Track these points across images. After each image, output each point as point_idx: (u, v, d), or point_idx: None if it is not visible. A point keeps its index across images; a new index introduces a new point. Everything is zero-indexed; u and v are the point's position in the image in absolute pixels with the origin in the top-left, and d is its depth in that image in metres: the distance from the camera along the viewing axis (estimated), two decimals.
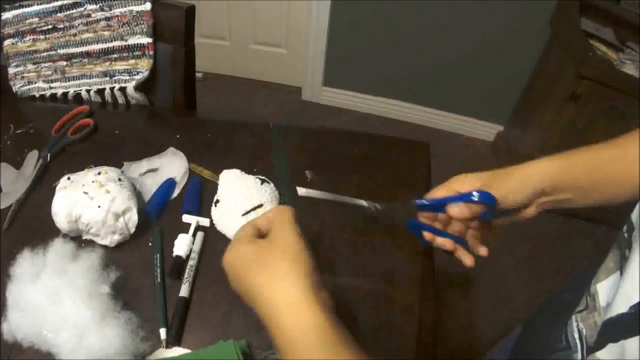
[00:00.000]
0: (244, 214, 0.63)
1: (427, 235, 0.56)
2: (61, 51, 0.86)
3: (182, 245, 0.61)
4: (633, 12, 1.66)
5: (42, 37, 0.85)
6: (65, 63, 0.87)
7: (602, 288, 0.39)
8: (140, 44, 0.83)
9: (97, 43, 0.84)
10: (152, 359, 0.51)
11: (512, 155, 1.96)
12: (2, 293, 0.52)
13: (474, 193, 0.51)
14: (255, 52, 2.31)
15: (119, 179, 0.63)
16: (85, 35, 0.84)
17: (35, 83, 0.88)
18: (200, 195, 0.68)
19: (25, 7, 0.84)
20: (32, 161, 0.72)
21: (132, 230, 0.62)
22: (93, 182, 0.61)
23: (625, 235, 0.38)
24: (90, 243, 0.61)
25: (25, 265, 0.52)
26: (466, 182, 0.53)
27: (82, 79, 0.87)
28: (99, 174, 0.63)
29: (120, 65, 0.85)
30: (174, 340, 0.53)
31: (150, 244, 0.62)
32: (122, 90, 0.86)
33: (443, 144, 2.19)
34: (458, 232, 0.56)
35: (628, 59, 1.57)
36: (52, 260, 0.52)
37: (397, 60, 2.09)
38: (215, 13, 2.17)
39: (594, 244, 1.85)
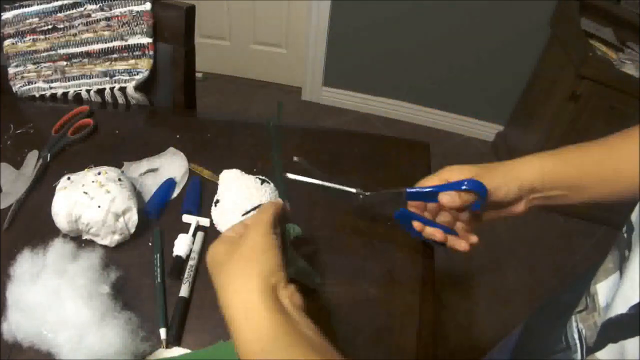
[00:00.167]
0: (244, 214, 0.62)
1: (416, 225, 0.56)
2: (61, 51, 0.86)
3: (182, 245, 0.61)
4: (633, 12, 1.66)
5: (42, 37, 0.85)
6: (65, 63, 0.87)
7: (602, 288, 0.39)
8: (140, 44, 0.83)
9: (97, 43, 0.84)
10: (152, 359, 0.51)
11: (512, 155, 1.94)
12: (2, 293, 0.52)
13: (465, 182, 0.51)
14: (255, 52, 2.32)
15: (119, 179, 0.63)
16: (85, 35, 0.84)
17: (35, 83, 0.88)
18: (200, 195, 0.68)
19: (25, 7, 0.84)
20: (32, 161, 0.72)
21: (132, 230, 0.62)
22: (93, 182, 0.61)
23: (625, 235, 0.38)
24: (90, 243, 0.61)
25: (25, 265, 0.52)
26: (457, 172, 0.53)
27: (82, 79, 0.87)
28: (99, 174, 0.63)
29: (120, 65, 0.85)
30: (174, 340, 0.53)
31: (150, 244, 0.62)
32: (122, 90, 0.86)
33: (443, 144, 2.19)
34: (447, 224, 0.56)
35: (628, 59, 1.57)
36: (52, 260, 0.52)
37: (397, 61, 2.09)
38: (215, 13, 2.17)
39: (594, 244, 1.85)
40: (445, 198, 0.51)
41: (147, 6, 0.81)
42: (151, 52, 0.84)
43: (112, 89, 0.86)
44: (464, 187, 0.51)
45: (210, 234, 0.64)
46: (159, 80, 0.88)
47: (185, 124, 0.82)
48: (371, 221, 0.66)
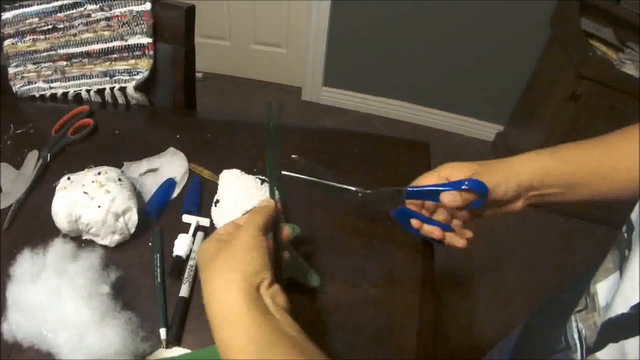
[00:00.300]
0: (244, 214, 0.62)
1: (414, 222, 0.56)
2: (61, 51, 0.86)
3: (182, 245, 0.61)
4: (633, 12, 1.66)
5: (42, 37, 0.85)
6: (65, 63, 0.87)
7: (602, 288, 0.39)
8: (140, 44, 0.83)
9: (97, 43, 0.84)
10: (152, 359, 0.51)
11: (512, 155, 1.96)
12: (2, 293, 0.52)
13: (465, 181, 0.51)
14: (255, 52, 2.32)
15: (119, 179, 0.63)
16: (85, 35, 0.84)
17: (35, 83, 0.88)
18: (200, 195, 0.68)
19: (25, 7, 0.84)
20: (32, 161, 0.72)
21: (132, 230, 0.62)
22: (93, 182, 0.61)
23: (625, 235, 0.38)
24: (90, 243, 0.61)
25: (25, 265, 0.52)
26: (457, 169, 0.53)
27: (82, 79, 0.87)
28: (99, 174, 0.63)
29: (120, 65, 0.85)
30: (174, 340, 0.53)
31: (150, 244, 0.62)
32: (122, 90, 0.86)
33: (443, 144, 2.19)
34: (444, 221, 0.56)
35: (628, 59, 1.57)
36: (52, 260, 0.52)
37: (397, 60, 2.09)
38: (215, 13, 2.17)
39: (594, 244, 1.85)
40: (447, 198, 0.51)
41: (147, 6, 0.81)
42: (151, 52, 0.84)
43: (112, 89, 0.86)
44: (463, 187, 0.51)
45: (210, 234, 0.64)
46: (159, 80, 0.88)
47: (185, 124, 0.82)
48: (371, 221, 0.66)
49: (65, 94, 0.88)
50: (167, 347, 0.52)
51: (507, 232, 1.84)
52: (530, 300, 1.62)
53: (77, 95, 0.88)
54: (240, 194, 0.64)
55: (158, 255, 0.60)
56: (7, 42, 0.87)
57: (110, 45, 0.84)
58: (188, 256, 0.60)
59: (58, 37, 0.85)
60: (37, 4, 0.83)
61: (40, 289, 0.49)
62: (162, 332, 0.53)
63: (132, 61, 0.85)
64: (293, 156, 0.67)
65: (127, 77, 0.86)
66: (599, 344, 0.35)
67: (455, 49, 1.98)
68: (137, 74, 0.85)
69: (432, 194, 0.53)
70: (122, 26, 0.83)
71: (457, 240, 0.56)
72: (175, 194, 0.69)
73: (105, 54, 0.85)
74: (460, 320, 1.57)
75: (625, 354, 0.32)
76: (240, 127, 0.82)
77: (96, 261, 0.55)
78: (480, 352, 0.81)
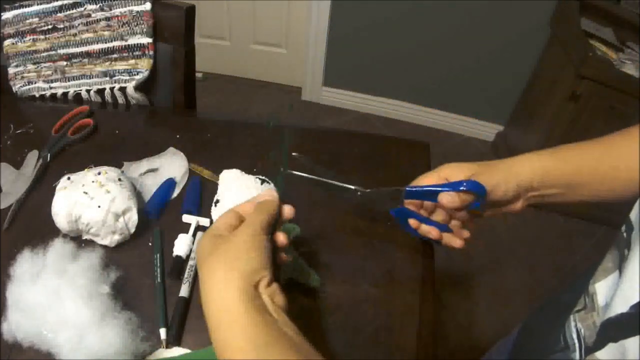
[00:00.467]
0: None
1: (412, 222, 0.56)
2: (61, 51, 0.86)
3: (182, 245, 0.61)
4: (633, 12, 1.66)
5: (42, 37, 0.85)
6: (65, 63, 0.87)
7: (601, 288, 0.39)
8: (140, 44, 0.83)
9: (97, 43, 0.84)
10: (152, 359, 0.51)
11: (512, 155, 1.96)
12: (2, 293, 0.52)
13: (464, 182, 0.51)
14: (255, 52, 2.32)
15: (119, 179, 0.63)
16: (85, 35, 0.84)
17: (35, 83, 0.88)
18: (200, 195, 0.68)
19: (25, 7, 0.84)
20: (32, 161, 0.72)
21: (132, 230, 0.62)
22: (93, 182, 0.61)
23: (624, 235, 0.38)
24: (90, 243, 0.61)
25: (25, 265, 0.52)
26: (456, 170, 0.53)
27: (82, 79, 0.87)
28: (99, 174, 0.63)
29: (120, 65, 0.85)
30: (174, 340, 0.53)
31: (150, 244, 0.62)
32: (122, 90, 0.86)
33: (443, 144, 2.19)
34: (442, 221, 0.56)
35: (628, 59, 1.57)
36: (52, 260, 0.52)
37: (397, 60, 2.09)
38: (215, 13, 2.17)
39: (594, 244, 1.85)
40: (446, 199, 0.51)
41: (147, 6, 0.81)
42: (151, 52, 0.84)
43: (112, 89, 0.86)
44: (462, 188, 0.51)
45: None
46: (159, 80, 0.88)
47: (185, 124, 0.82)
48: (371, 221, 0.66)
49: (65, 94, 0.88)
50: (167, 347, 0.52)
51: (507, 232, 1.84)
52: (530, 300, 1.62)
53: (77, 95, 0.88)
54: (240, 194, 0.64)
55: (158, 255, 0.60)
56: (7, 42, 0.87)
57: (110, 45, 0.84)
58: (188, 256, 0.61)
59: (58, 37, 0.85)
60: (37, 4, 0.83)
61: (40, 289, 0.49)
62: (162, 332, 0.53)
63: (132, 61, 0.85)
64: (293, 154, 0.68)
65: (127, 77, 0.86)
66: (599, 344, 0.35)
67: (455, 49, 1.98)
68: (137, 74, 0.85)
69: (431, 195, 0.53)
70: (122, 26, 0.83)
71: (454, 240, 0.56)
72: (175, 194, 0.69)
73: (105, 54, 0.85)
74: (460, 320, 1.57)
75: (625, 354, 0.32)
76: (240, 127, 0.82)
77: (96, 261, 0.55)
78: (480, 352, 0.81)
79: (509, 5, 1.77)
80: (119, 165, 0.71)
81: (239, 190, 0.65)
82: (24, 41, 0.86)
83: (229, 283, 0.36)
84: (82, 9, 0.83)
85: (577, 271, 1.74)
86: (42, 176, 0.70)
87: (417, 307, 0.58)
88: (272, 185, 0.67)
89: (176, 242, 0.61)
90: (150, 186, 0.69)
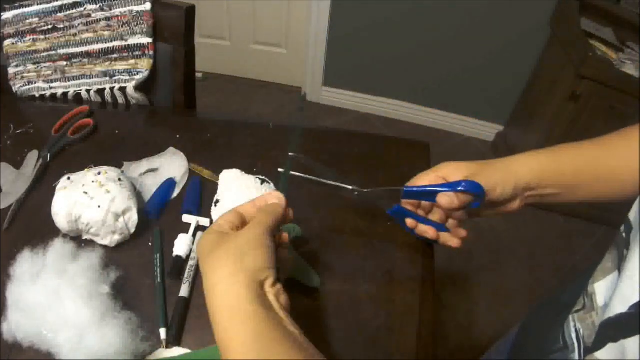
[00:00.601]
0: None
1: (409, 222, 0.56)
2: (61, 51, 0.86)
3: (182, 245, 0.61)
4: (633, 12, 1.66)
5: (42, 37, 0.85)
6: (65, 63, 0.87)
7: (600, 288, 0.39)
8: (140, 44, 0.83)
9: (97, 43, 0.84)
10: (152, 359, 0.51)
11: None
12: (2, 293, 0.52)
13: (462, 183, 0.51)
14: (255, 52, 2.32)
15: (119, 179, 0.63)
16: (85, 35, 0.84)
17: (35, 83, 0.88)
18: (200, 195, 0.68)
19: (25, 7, 0.84)
20: (32, 161, 0.72)
21: (132, 230, 0.62)
22: (93, 182, 0.61)
23: (624, 235, 0.38)
24: (90, 243, 0.61)
25: (25, 265, 0.52)
26: (454, 169, 0.53)
27: (82, 79, 0.87)
28: (99, 174, 0.63)
29: (120, 65, 0.85)
30: (174, 340, 0.53)
31: (150, 244, 0.62)
32: (122, 90, 0.86)
33: (443, 144, 2.19)
34: (439, 221, 0.56)
35: (628, 59, 1.57)
36: (52, 260, 0.52)
37: (397, 61, 2.09)
38: (215, 13, 2.17)
39: (594, 244, 1.85)
40: (445, 200, 0.51)
41: (147, 6, 0.81)
42: (151, 52, 0.84)
43: (112, 89, 0.86)
44: (460, 188, 0.51)
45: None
46: (159, 80, 0.88)
47: (185, 124, 0.82)
48: (371, 221, 0.66)
49: (65, 94, 0.88)
50: (167, 347, 0.52)
51: (507, 232, 1.84)
52: (530, 300, 1.62)
53: (77, 95, 0.88)
54: (240, 194, 0.64)
55: (158, 255, 0.60)
56: (7, 42, 0.87)
57: (110, 45, 0.84)
58: (188, 256, 0.61)
59: (58, 37, 0.85)
60: (37, 4, 0.83)
61: (40, 289, 0.49)
62: (162, 332, 0.53)
63: (132, 61, 0.85)
64: (290, 153, 0.68)
65: (127, 77, 0.86)
66: (598, 344, 0.35)
67: (455, 49, 1.98)
68: (137, 74, 0.85)
69: (429, 194, 0.53)
70: (122, 26, 0.83)
71: (451, 240, 0.56)
72: (175, 194, 0.69)
73: (105, 54, 0.85)
74: (460, 320, 1.57)
75: (625, 354, 0.32)
76: (240, 127, 0.82)
77: (96, 261, 0.55)
78: (480, 352, 0.81)
79: (509, 5, 1.77)
80: (119, 165, 0.71)
81: (239, 190, 0.65)
82: (24, 41, 0.86)
83: (236, 279, 0.36)
84: (82, 9, 0.83)
85: (577, 271, 1.75)
86: (42, 176, 0.70)
87: (417, 307, 0.58)
88: (272, 185, 0.67)
89: (176, 242, 0.61)
90: (150, 186, 0.69)
